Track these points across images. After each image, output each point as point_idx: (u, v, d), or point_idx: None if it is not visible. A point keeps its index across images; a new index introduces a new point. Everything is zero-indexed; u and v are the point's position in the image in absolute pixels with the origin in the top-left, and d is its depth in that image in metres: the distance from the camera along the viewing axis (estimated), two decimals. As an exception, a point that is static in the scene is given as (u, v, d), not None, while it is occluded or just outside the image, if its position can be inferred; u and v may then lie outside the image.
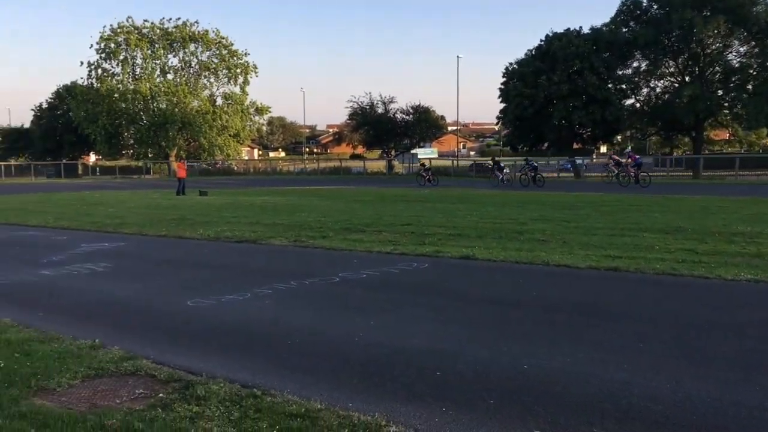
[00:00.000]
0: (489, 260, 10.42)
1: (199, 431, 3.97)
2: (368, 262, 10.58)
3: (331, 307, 7.63)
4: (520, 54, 74.31)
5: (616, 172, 32.76)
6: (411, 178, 47.12)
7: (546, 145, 54.80)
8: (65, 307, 7.91)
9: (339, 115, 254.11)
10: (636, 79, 51.27)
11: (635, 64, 51.26)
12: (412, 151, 67.18)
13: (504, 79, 53.90)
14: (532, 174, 34.38)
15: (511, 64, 53.51)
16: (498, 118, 57.24)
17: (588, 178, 44.45)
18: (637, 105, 52.54)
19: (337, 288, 8.67)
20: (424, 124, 71.82)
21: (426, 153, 68.34)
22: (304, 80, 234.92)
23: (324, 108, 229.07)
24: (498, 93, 54.08)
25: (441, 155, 75.82)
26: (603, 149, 71.81)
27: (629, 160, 31.96)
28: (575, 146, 54.03)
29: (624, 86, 51.36)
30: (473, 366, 5.27)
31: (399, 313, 7.22)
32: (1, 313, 7.34)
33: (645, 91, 52.28)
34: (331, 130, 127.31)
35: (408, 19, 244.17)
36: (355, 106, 71.32)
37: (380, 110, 70.99)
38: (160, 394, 4.68)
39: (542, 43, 51.83)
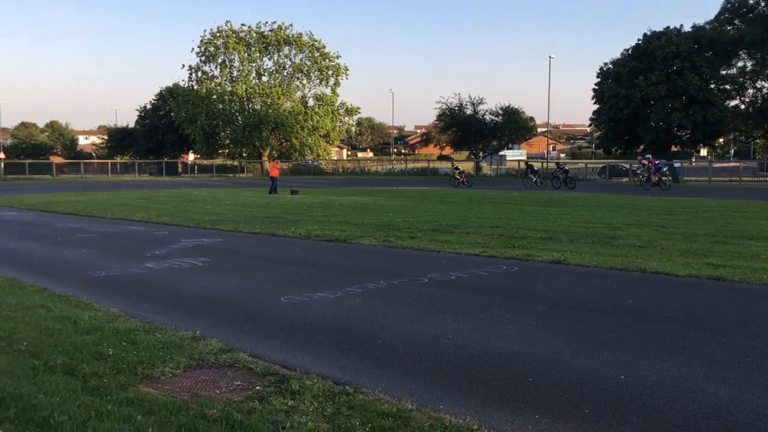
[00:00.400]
0: (581, 265, 10.16)
1: (295, 425, 4.07)
2: (457, 263, 10.54)
3: (420, 307, 7.65)
4: (616, 53, 71.97)
5: (647, 176, 34.23)
6: (499, 180, 46.57)
7: (641, 147, 52.86)
8: (167, 299, 8.29)
9: (427, 116, 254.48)
10: (741, 79, 48.65)
11: (740, 64, 48.65)
12: (501, 153, 66.37)
13: (598, 79, 52.42)
14: (563, 177, 35.89)
15: (605, 64, 51.99)
16: (591, 119, 55.77)
17: (687, 183, 42.52)
18: (742, 107, 49.85)
19: (425, 289, 8.68)
20: (514, 126, 70.84)
21: (514, 155, 67.35)
22: (393, 81, 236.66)
23: (412, 109, 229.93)
24: (591, 94, 52.60)
25: (530, 157, 74.52)
26: (703, 152, 68.52)
27: (650, 165, 33.87)
28: (673, 149, 51.84)
29: (728, 87, 48.82)
30: (567, 373, 5.15)
31: (489, 316, 7.15)
32: (109, 303, 7.79)
33: (750, 92, 49.55)
34: (419, 131, 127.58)
35: (498, 19, 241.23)
36: (444, 107, 71.23)
37: (469, 111, 70.55)
38: (257, 387, 4.83)
39: (640, 42, 50.04)
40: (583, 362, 5.46)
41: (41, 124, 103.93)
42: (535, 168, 39.51)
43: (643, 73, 47.09)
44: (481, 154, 71.75)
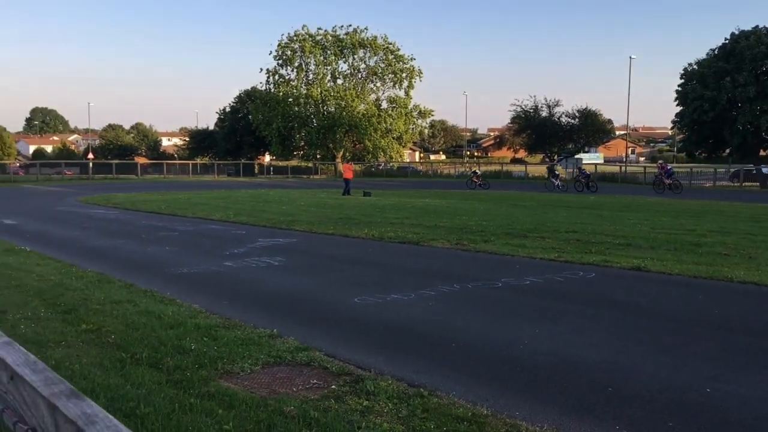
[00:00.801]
0: (663, 273, 9.82)
1: (371, 425, 4.11)
2: (531, 268, 10.37)
3: (494, 311, 7.57)
4: (701, 54, 69.25)
5: (660, 180, 35.42)
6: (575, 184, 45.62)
7: (727, 151, 50.62)
8: (246, 296, 8.51)
9: (501, 119, 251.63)
10: (837, 80, 45.89)
11: (839, 64, 45.91)
12: (577, 156, 64.91)
13: (682, 80, 50.54)
14: (584, 180, 37.30)
15: (690, 64, 50.11)
16: (673, 122, 53.87)
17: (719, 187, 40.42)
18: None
19: (499, 293, 8.59)
20: (590, 128, 69.19)
21: (591, 158, 65.75)
22: (467, 83, 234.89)
23: (486, 111, 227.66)
24: (674, 95, 50.78)
25: (607, 160, 72.56)
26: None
27: (662, 171, 35.64)
28: (761, 153, 49.41)
29: (823, 87, 46.15)
30: (649, 384, 4.99)
31: (565, 322, 7.01)
32: (191, 299, 8.06)
33: None
34: (492, 133, 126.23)
35: (575, 19, 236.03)
36: (518, 109, 70.30)
37: (544, 114, 69.38)
38: (333, 386, 4.90)
39: (727, 41, 47.96)
40: (665, 373, 5.27)
41: (127, 126, 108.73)
42: (557, 172, 41.70)
43: (730, 74, 45.10)
44: (555, 157, 70.39)
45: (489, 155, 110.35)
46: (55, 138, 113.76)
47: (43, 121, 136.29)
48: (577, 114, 68.81)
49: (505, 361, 5.64)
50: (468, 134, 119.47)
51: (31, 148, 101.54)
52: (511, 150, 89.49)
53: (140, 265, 11.08)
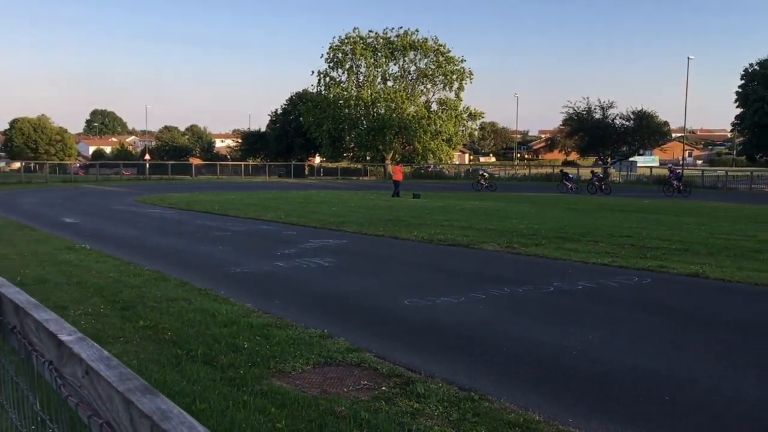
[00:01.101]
0: (722, 280, 9.52)
1: (421, 428, 4.10)
2: (584, 273, 10.20)
3: (545, 316, 7.47)
4: (762, 54, 66.89)
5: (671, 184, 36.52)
6: (629, 187, 44.63)
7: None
8: (297, 297, 8.61)
9: (552, 121, 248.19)
10: None
11: None
12: (631, 159, 63.50)
13: (742, 81, 48.92)
14: (599, 184, 38.71)
15: (750, 65, 48.46)
16: (733, 124, 52.21)
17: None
18: None
19: (551, 298, 8.47)
20: (646, 131, 67.50)
21: (646, 161, 64.24)
22: (518, 85, 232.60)
23: (537, 113, 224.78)
24: (734, 97, 49.19)
25: (663, 163, 70.79)
26: None
27: (672, 174, 37.28)
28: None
29: None
30: (709, 395, 4.85)
31: (619, 329, 6.87)
32: (244, 298, 8.20)
33: None
34: (543, 135, 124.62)
35: (629, 20, 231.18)
36: (571, 111, 69.14)
37: (598, 115, 68.07)
38: (383, 387, 4.92)
39: (791, 40, 46.14)
40: (728, 385, 5.11)
41: (182, 128, 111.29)
42: (570, 175, 43.22)
43: (794, 74, 43.45)
44: (609, 160, 69.03)
45: (540, 157, 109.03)
46: (114, 139, 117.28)
47: (102, 122, 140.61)
48: (632, 116, 67.23)
49: (557, 367, 5.56)
50: (519, 136, 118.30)
51: (91, 149, 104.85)
52: (563, 152, 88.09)
53: (194, 263, 11.32)
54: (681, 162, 66.53)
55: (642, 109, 67.33)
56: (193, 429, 0.80)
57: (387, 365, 5.46)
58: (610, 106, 67.99)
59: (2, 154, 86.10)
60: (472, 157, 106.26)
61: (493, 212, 21.77)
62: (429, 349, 6.12)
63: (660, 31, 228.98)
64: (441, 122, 64.36)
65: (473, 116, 67.91)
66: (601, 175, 41.12)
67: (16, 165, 65.56)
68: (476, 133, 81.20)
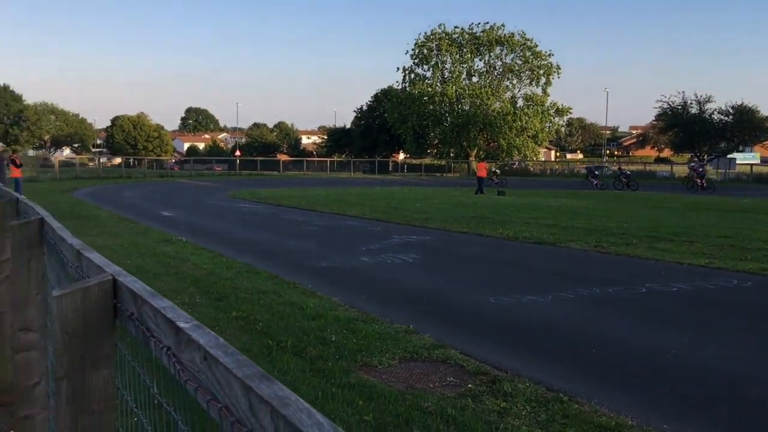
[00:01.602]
0: (832, 285, 8.93)
1: (509, 427, 4.07)
2: (678, 274, 9.80)
3: (637, 318, 7.24)
4: None
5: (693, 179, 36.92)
6: (727, 186, 42.54)
7: None
8: (382, 292, 8.70)
9: (644, 116, 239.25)
10: None
11: None
12: (729, 156, 60.36)
13: None
14: (626, 180, 38.53)
15: None
16: None
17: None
18: None
19: (643, 299, 8.19)
20: (747, 126, 63.99)
21: (745, 158, 60.93)
22: (608, 80, 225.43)
23: (628, 108, 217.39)
24: None
25: (764, 160, 66.99)
26: None
27: (693, 171, 37.75)
28: None
29: None
30: (815, 406, 4.57)
31: (716, 333, 6.57)
32: (330, 292, 8.35)
33: None
34: (634, 131, 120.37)
35: (729, 10, 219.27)
36: (665, 106, 66.40)
37: (694, 110, 65.08)
38: (469, 385, 4.91)
39: None
40: (835, 395, 4.81)
41: (270, 125, 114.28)
42: (596, 172, 43.62)
43: None
44: (705, 156, 65.87)
45: (630, 154, 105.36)
46: (207, 136, 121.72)
47: (196, 120, 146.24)
48: (731, 111, 63.90)
49: (651, 370, 5.38)
50: (608, 132, 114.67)
51: (185, 146, 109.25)
52: (655, 149, 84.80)
53: (282, 257, 11.61)
54: (785, 159, 62.79)
55: (742, 104, 63.87)
56: (311, 416, 0.84)
57: (473, 363, 5.44)
58: (708, 101, 64.85)
59: (104, 150, 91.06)
60: (558, 154, 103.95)
61: (581, 210, 21.24)
62: (515, 348, 6.06)
63: (763, 23, 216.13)
64: (527, 118, 63.31)
65: (560, 112, 66.47)
66: (627, 172, 41.73)
67: (117, 160, 69.21)
68: (563, 129, 79.45)
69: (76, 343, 1.63)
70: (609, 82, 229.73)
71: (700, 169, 37.95)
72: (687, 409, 4.55)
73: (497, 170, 48.49)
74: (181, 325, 1.27)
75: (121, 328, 1.70)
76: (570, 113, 71.06)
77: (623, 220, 17.66)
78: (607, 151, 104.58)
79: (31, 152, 77.97)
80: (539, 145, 69.70)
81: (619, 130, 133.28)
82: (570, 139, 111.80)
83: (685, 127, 64.43)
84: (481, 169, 34.94)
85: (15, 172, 22.24)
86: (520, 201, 26.21)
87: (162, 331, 1.36)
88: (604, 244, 12.94)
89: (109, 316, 1.67)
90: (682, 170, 57.28)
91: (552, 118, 66.41)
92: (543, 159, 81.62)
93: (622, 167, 45.43)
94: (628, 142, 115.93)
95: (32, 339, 3.18)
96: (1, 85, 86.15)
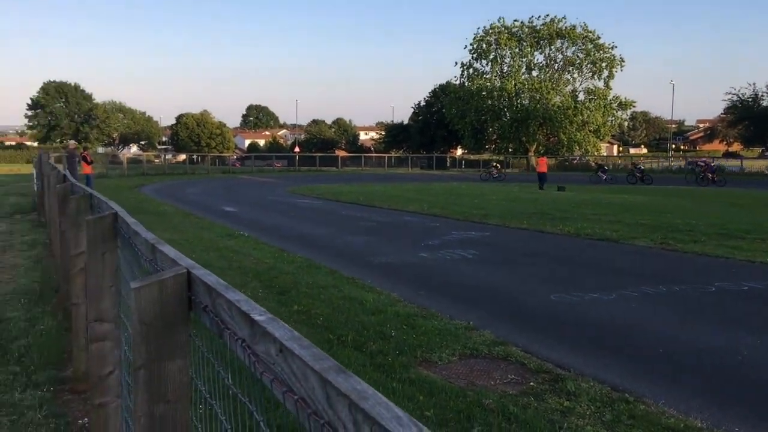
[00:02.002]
0: None
1: (572, 427, 4.01)
2: (750, 272, 9.43)
3: (706, 318, 7.01)
4: None
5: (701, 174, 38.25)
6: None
7: None
8: (441, 288, 8.67)
9: (712, 110, 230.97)
10: None
11: None
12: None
13: None
14: (640, 175, 39.72)
15: None
16: None
17: None
18: None
19: (712, 298, 7.92)
20: (823, 118, 60.95)
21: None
22: (674, 72, 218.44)
23: (695, 101, 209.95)
24: None
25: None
26: None
27: (706, 166, 38.97)
28: None
29: None
30: None
31: (793, 336, 6.29)
32: (390, 287, 8.38)
33: None
34: (701, 125, 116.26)
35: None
36: (735, 98, 63.91)
37: (765, 103, 62.42)
38: (531, 383, 4.85)
39: None
40: None
41: (329, 121, 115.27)
42: (605, 167, 44.53)
43: None
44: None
45: (697, 148, 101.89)
46: (267, 133, 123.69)
47: (256, 117, 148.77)
48: (806, 102, 61.00)
49: (721, 372, 5.20)
50: (673, 126, 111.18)
51: (246, 142, 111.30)
52: (724, 143, 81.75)
53: (342, 252, 11.71)
54: None
55: (819, 95, 60.88)
56: (390, 410, 0.84)
57: (534, 360, 5.38)
58: (781, 93, 62.07)
59: (169, 147, 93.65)
60: (621, 149, 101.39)
61: (645, 206, 20.66)
62: (578, 346, 5.95)
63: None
64: (588, 112, 61.89)
65: (623, 105, 64.71)
66: (642, 168, 42.77)
67: (182, 157, 71.09)
68: (626, 123, 77.45)
69: (153, 333, 1.68)
70: (675, 74, 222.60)
71: (712, 164, 40.50)
72: (760, 414, 4.38)
73: (497, 164, 49.42)
74: (256, 317, 1.29)
75: (194, 319, 1.75)
76: (633, 107, 69.15)
77: (691, 216, 17.10)
78: (673, 146, 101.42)
79: (100, 149, 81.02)
80: (601, 140, 68.06)
81: (686, 123, 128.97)
82: (633, 134, 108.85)
83: (755, 120, 61.87)
84: (542, 164, 34.35)
85: (86, 169, 23.09)
86: (581, 197, 25.69)
87: (236, 323, 1.39)
88: (670, 240, 12.57)
89: (184, 308, 1.72)
90: (751, 165, 55.08)
91: (615, 111, 64.71)
92: (605, 154, 79.74)
93: (636, 163, 45.91)
94: (694, 136, 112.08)
95: (106, 329, 3.31)
96: (73, 84, 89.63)
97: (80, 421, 4.10)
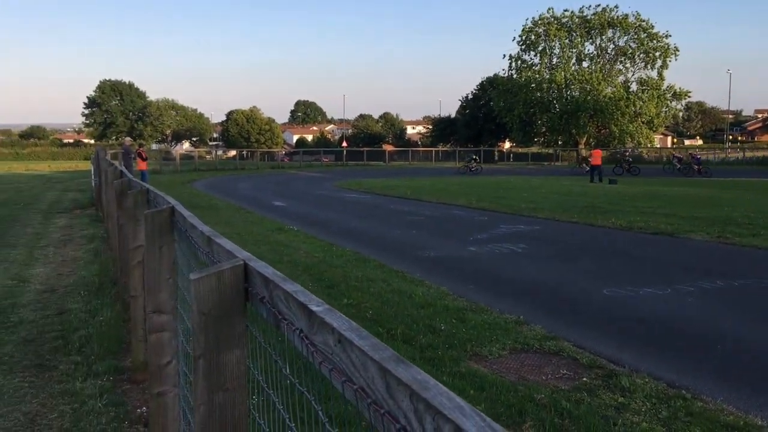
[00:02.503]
0: None
1: (627, 423, 3.93)
2: (814, 268, 9.08)
3: (766, 313, 6.78)
4: None
5: (679, 166, 39.64)
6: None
7: None
8: (490, 281, 8.61)
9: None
10: None
11: None
12: None
13: None
14: (697, 167, 38.42)
15: None
16: None
17: None
18: None
19: (773, 294, 7.65)
20: None
21: None
22: (731, 61, 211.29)
23: (753, 91, 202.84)
24: None
25: None
26: None
27: (693, 159, 39.71)
28: None
29: None
30: None
31: None
32: (438, 281, 8.36)
33: None
34: (759, 115, 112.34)
35: None
36: (796, 86, 61.43)
37: (830, 90, 59.87)
38: (584, 378, 4.78)
39: None
40: None
41: (376, 116, 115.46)
42: (590, 159, 42.88)
43: None
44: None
45: (755, 139, 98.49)
46: (314, 128, 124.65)
47: (304, 112, 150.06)
48: None
49: (783, 370, 5.03)
50: (730, 117, 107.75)
51: (294, 138, 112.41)
52: (785, 133, 78.82)
53: (390, 246, 11.74)
54: None
55: None
56: (452, 400, 0.84)
57: (587, 355, 5.30)
58: None
59: (220, 143, 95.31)
60: (675, 140, 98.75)
61: (702, 199, 20.09)
62: (632, 342, 5.83)
63: None
64: (641, 103, 60.43)
65: (678, 96, 62.95)
66: (699, 158, 41.41)
67: (232, 153, 72.20)
68: (681, 114, 75.36)
69: (211, 323, 1.72)
70: (732, 64, 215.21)
71: (698, 157, 41.13)
72: (826, 413, 4.22)
73: (476, 156, 48.75)
74: (314, 308, 1.31)
75: (251, 310, 1.78)
76: (689, 97, 67.20)
77: (750, 209, 16.55)
78: (730, 137, 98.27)
79: (154, 146, 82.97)
80: (654, 131, 66.41)
81: (743, 114, 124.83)
82: (688, 125, 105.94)
83: (819, 109, 59.39)
84: (596, 156, 33.58)
85: (141, 165, 23.69)
86: (633, 189, 25.13)
87: (294, 314, 1.41)
88: (728, 234, 12.19)
89: (241, 299, 1.75)
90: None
91: (669, 102, 63.04)
92: (658, 146, 77.80)
93: (693, 154, 44.85)
94: (752, 127, 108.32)
95: (164, 321, 3.39)
96: (127, 82, 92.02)
97: (139, 410, 4.22)
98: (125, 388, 4.62)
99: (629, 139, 61.88)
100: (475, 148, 69.23)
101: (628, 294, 7.65)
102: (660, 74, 61.73)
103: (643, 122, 61.26)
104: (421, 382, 0.90)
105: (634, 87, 62.61)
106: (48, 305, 6.98)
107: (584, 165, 40.60)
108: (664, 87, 61.82)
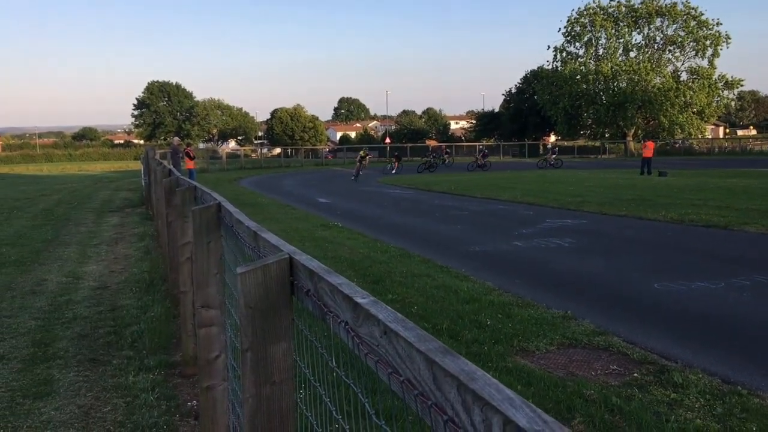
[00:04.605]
0: None
1: (680, 419, 3.84)
2: None
3: (828, 309, 6.53)
4: None
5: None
6: None
7: None
8: (536, 276, 8.50)
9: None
10: None
11: None
12: None
13: None
14: (552, 162, 41.59)
15: None
16: None
17: None
18: None
19: (834, 288, 7.36)
20: None
21: None
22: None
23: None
24: None
25: None
26: None
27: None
28: None
29: None
30: None
31: None
32: (483, 276, 8.30)
33: None
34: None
35: None
36: None
37: None
38: (635, 374, 4.68)
39: None
40: None
41: (419, 112, 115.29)
42: (556, 149, 45.61)
43: None
44: None
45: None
46: (358, 125, 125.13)
47: (348, 109, 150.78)
48: None
49: None
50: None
51: (338, 135, 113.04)
52: None
53: (435, 241, 11.69)
54: None
55: None
56: (501, 391, 0.83)
57: (638, 351, 5.18)
58: None
59: (265, 141, 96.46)
60: (728, 131, 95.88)
61: (757, 190, 19.46)
62: (684, 337, 5.68)
63: None
64: (691, 93, 58.81)
65: (730, 85, 61.05)
66: (557, 149, 44.18)
67: (277, 151, 73.13)
68: (733, 103, 73.11)
69: (258, 316, 1.73)
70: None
71: (555, 149, 45.11)
72: None
73: (448, 150, 48.71)
74: (359, 300, 1.30)
75: (296, 303, 1.79)
76: (741, 86, 65.11)
77: (807, 200, 15.97)
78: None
79: (201, 145, 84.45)
80: (705, 122, 64.58)
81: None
82: (741, 114, 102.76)
83: None
84: (649, 148, 32.70)
85: (189, 164, 24.13)
86: (684, 182, 24.50)
87: (339, 307, 1.41)
88: (785, 227, 11.79)
89: (287, 292, 1.76)
90: None
91: (720, 92, 61.18)
92: (710, 136, 75.66)
93: (554, 146, 46.73)
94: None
95: (213, 315, 3.44)
96: (174, 83, 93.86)
97: (189, 404, 4.30)
98: (176, 382, 4.71)
99: (679, 131, 60.34)
100: (519, 142, 68.48)
101: (680, 288, 7.46)
102: (711, 63, 59.99)
103: (693, 113, 59.64)
104: (469, 373, 0.89)
105: (684, 77, 61.04)
106: (101, 301, 7.18)
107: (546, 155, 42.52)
108: (715, 76, 60.05)
